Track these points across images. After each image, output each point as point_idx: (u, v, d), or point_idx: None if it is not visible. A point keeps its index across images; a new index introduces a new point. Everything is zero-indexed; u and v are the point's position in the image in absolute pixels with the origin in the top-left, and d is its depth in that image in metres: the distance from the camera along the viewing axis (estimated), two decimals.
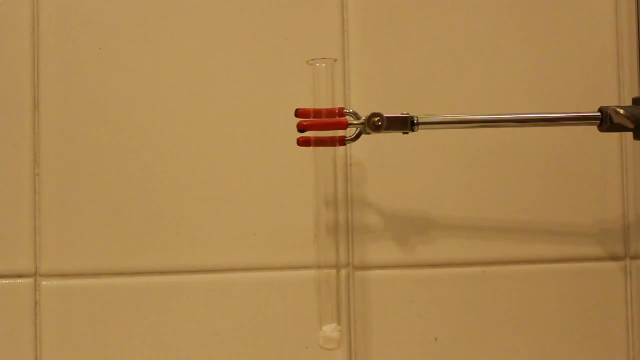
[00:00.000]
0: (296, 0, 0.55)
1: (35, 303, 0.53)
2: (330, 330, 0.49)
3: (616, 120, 0.47)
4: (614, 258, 0.57)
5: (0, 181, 0.53)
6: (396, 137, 0.50)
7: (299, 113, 0.49)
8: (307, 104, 0.49)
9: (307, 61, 0.50)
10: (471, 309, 0.56)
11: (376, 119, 0.48)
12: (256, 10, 0.55)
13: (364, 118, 0.48)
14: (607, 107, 0.48)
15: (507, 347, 0.56)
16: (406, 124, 0.48)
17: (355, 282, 0.55)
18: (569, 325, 0.57)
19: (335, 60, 0.50)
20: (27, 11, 0.54)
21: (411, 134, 0.48)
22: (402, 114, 0.48)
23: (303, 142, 0.49)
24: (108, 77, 0.54)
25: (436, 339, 0.56)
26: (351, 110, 0.49)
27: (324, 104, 0.49)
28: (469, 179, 0.56)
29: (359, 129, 0.48)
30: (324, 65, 0.49)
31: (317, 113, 0.48)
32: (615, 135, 0.57)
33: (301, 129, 0.48)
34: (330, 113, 0.48)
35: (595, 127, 0.49)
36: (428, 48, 0.56)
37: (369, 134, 0.48)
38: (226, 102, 0.55)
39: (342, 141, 0.49)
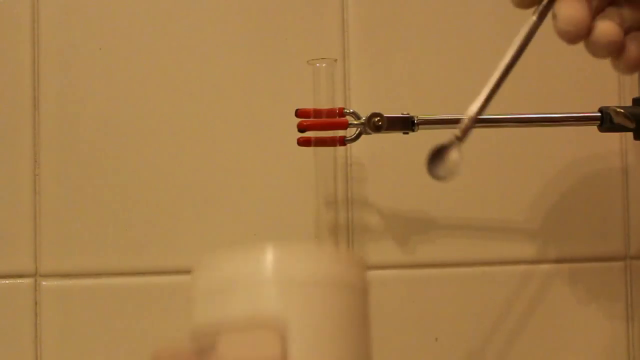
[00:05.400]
0: (296, 0, 0.55)
1: (35, 303, 0.53)
2: None
3: (616, 120, 0.47)
4: (614, 258, 0.57)
5: (0, 181, 0.53)
6: (396, 137, 0.50)
7: (299, 113, 0.49)
8: (307, 104, 0.49)
9: (307, 61, 0.50)
10: (471, 309, 0.56)
11: (376, 119, 0.48)
12: (256, 10, 0.55)
13: (364, 118, 0.48)
14: (607, 107, 0.48)
15: (507, 347, 0.56)
16: (406, 124, 0.48)
17: None
18: (569, 325, 0.57)
19: (335, 60, 0.50)
20: (27, 11, 0.54)
21: (411, 134, 0.48)
22: (402, 114, 0.48)
23: (303, 142, 0.49)
24: (108, 77, 0.54)
25: (436, 339, 0.56)
26: (351, 110, 0.49)
27: (324, 104, 0.49)
28: (468, 179, 0.56)
29: (359, 129, 0.48)
30: (324, 65, 0.49)
31: (317, 113, 0.48)
32: (615, 135, 0.57)
33: (301, 129, 0.48)
34: (330, 113, 0.48)
35: (595, 127, 0.49)
36: (428, 48, 0.56)
37: (369, 134, 0.48)
38: (226, 102, 0.55)
39: (342, 141, 0.49)
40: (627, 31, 0.33)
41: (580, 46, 0.58)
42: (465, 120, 0.35)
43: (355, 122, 0.48)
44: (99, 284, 0.54)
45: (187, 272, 0.54)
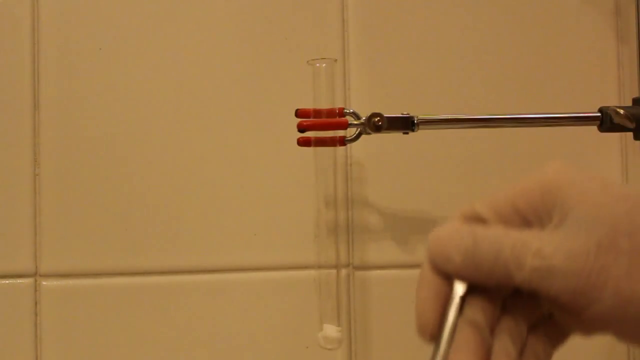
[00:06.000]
0: (296, 0, 0.55)
1: (35, 303, 0.53)
2: (330, 330, 0.49)
3: (616, 120, 0.47)
4: None
5: (0, 181, 0.53)
6: (396, 137, 0.50)
7: (299, 113, 0.49)
8: (307, 104, 0.49)
9: (307, 61, 0.50)
10: None
11: (376, 119, 0.48)
12: (256, 10, 0.55)
13: (364, 118, 0.48)
14: (607, 107, 0.48)
15: None
16: (406, 124, 0.48)
17: (355, 282, 0.55)
18: None
19: (335, 60, 0.50)
20: (27, 11, 0.54)
21: (411, 134, 0.48)
22: (402, 114, 0.48)
23: (303, 142, 0.49)
24: (108, 77, 0.54)
25: None
26: (351, 110, 0.49)
27: (324, 104, 0.49)
28: (469, 179, 0.56)
29: (359, 129, 0.48)
30: (324, 65, 0.49)
31: (317, 113, 0.48)
32: (615, 135, 0.57)
33: (301, 129, 0.48)
34: (330, 113, 0.48)
35: (595, 127, 0.49)
36: (428, 48, 0.56)
37: (369, 134, 0.48)
38: (226, 102, 0.55)
39: (342, 141, 0.49)
40: (526, 339, 0.29)
41: (580, 46, 0.58)
42: None
43: (355, 122, 0.48)
44: (99, 284, 0.54)
45: (187, 272, 0.54)
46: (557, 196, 0.27)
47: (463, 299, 0.28)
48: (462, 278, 0.28)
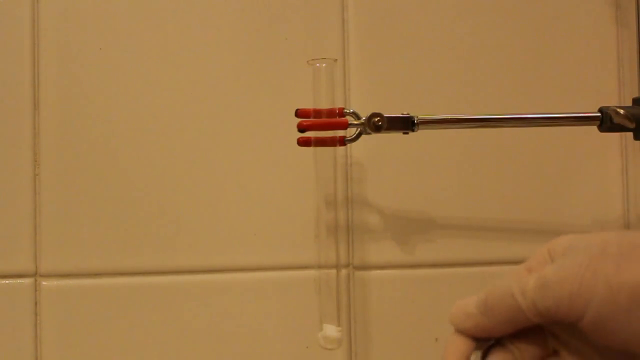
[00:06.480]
0: (296, 0, 0.55)
1: (35, 303, 0.53)
2: (330, 330, 0.49)
3: (616, 120, 0.47)
4: None
5: (0, 181, 0.53)
6: (396, 137, 0.50)
7: (299, 113, 0.49)
8: (307, 104, 0.49)
9: (307, 61, 0.50)
10: None
11: (376, 119, 0.48)
12: (256, 10, 0.55)
13: (364, 118, 0.48)
14: (607, 107, 0.48)
15: None
16: (406, 124, 0.48)
17: (355, 282, 0.55)
18: None
19: (335, 60, 0.50)
20: (27, 11, 0.54)
21: (411, 134, 0.48)
22: (402, 114, 0.48)
23: (303, 142, 0.49)
24: (108, 77, 0.54)
25: (436, 339, 0.56)
26: (351, 110, 0.49)
27: (324, 104, 0.49)
28: (469, 179, 0.56)
29: (359, 129, 0.48)
30: (324, 65, 0.49)
31: (317, 113, 0.48)
32: (615, 135, 0.57)
33: (301, 129, 0.48)
34: (330, 113, 0.48)
35: (595, 127, 0.49)
36: (428, 48, 0.56)
37: (369, 134, 0.48)
38: (226, 102, 0.55)
39: (342, 141, 0.49)
40: None
41: (580, 46, 0.58)
42: None
43: (355, 122, 0.48)
44: (99, 284, 0.54)
45: (187, 272, 0.54)
46: (558, 247, 0.32)
47: (485, 352, 0.31)
48: (481, 331, 0.31)
